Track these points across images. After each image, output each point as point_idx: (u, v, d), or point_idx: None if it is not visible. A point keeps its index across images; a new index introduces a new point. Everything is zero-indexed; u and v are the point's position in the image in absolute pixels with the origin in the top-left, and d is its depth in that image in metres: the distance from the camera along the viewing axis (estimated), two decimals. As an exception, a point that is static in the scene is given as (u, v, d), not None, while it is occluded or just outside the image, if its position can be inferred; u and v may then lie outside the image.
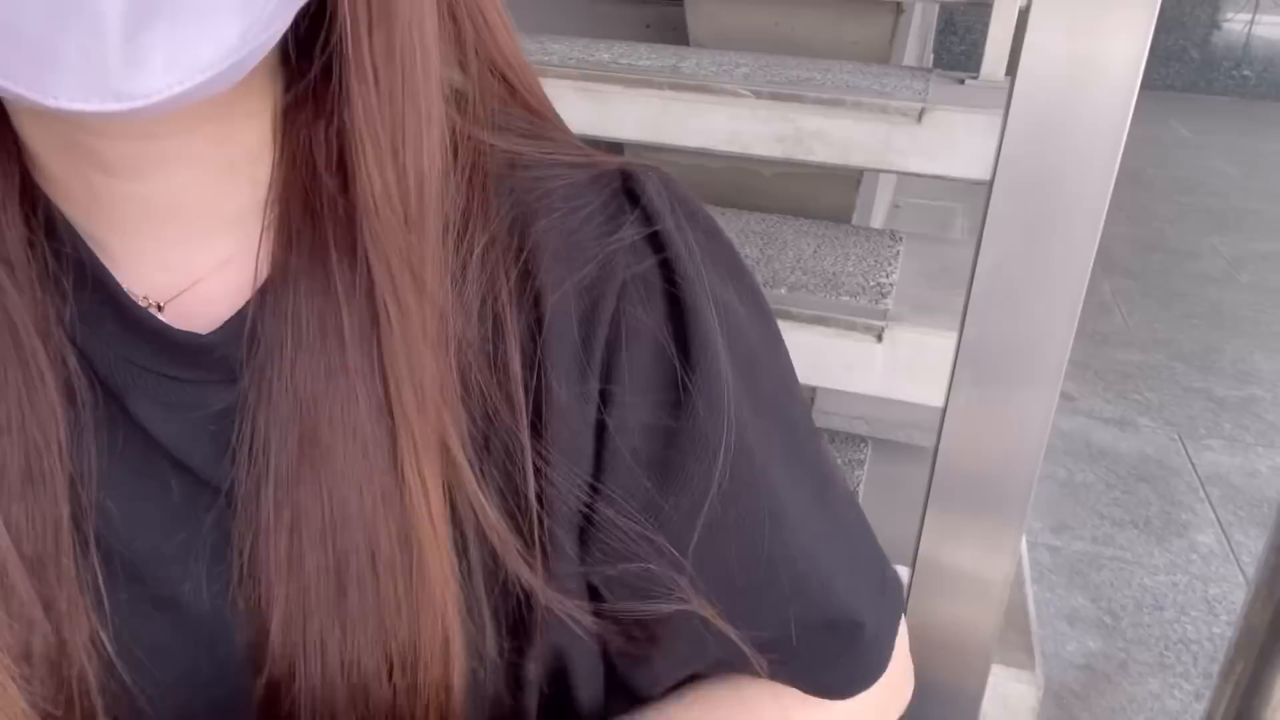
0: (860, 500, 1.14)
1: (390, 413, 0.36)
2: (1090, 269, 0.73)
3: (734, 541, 0.41)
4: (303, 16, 0.33)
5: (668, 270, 0.39)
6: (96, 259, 0.37)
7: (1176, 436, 2.44)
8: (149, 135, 0.34)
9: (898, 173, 1.27)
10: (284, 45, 0.36)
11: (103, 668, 0.37)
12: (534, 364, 0.38)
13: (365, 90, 0.33)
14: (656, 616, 0.41)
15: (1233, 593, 1.89)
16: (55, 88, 0.26)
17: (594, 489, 0.39)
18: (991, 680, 0.97)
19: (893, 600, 0.49)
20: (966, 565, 0.90)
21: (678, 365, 0.39)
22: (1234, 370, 2.80)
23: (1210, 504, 2.17)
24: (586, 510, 0.39)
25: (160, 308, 0.38)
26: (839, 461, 1.19)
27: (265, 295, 0.37)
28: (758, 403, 0.41)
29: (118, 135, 0.33)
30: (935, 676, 0.96)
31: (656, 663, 0.44)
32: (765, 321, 0.44)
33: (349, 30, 0.33)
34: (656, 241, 0.39)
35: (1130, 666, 1.71)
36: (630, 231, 0.39)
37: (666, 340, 0.39)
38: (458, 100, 0.39)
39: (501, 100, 0.41)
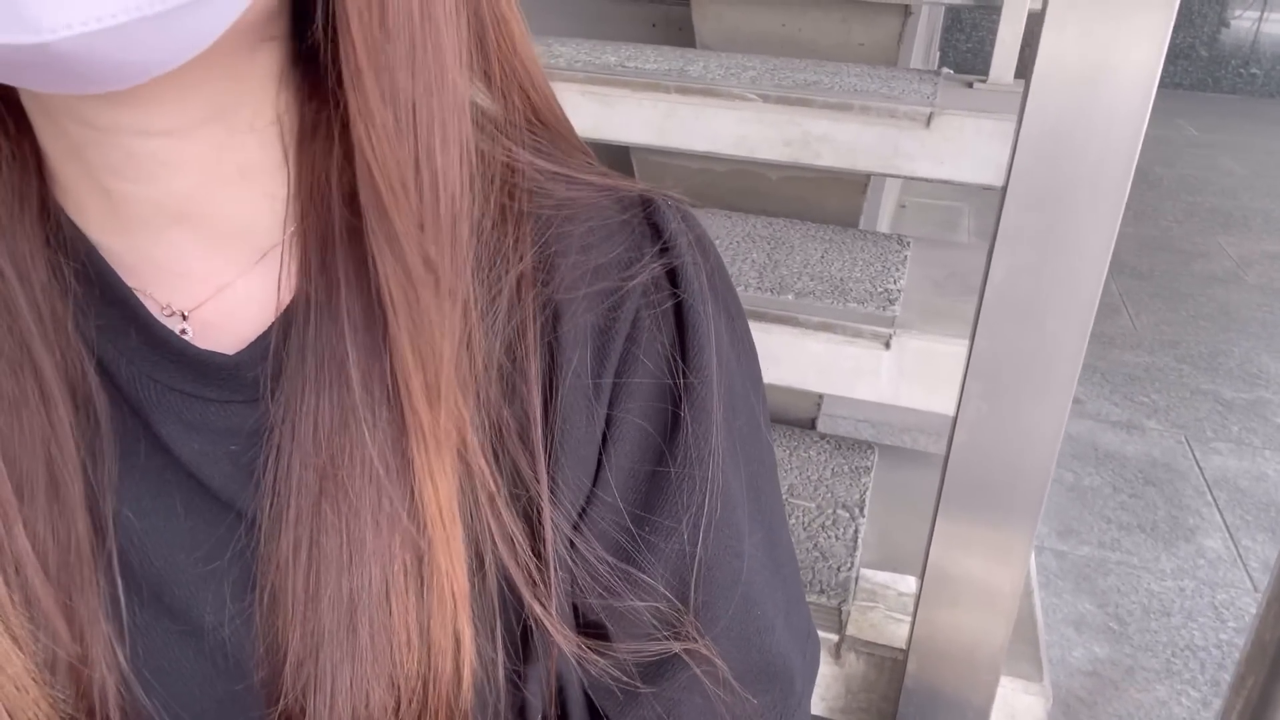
0: (867, 508, 1.14)
1: (407, 452, 0.35)
2: (1104, 279, 0.72)
3: (706, 579, 0.41)
4: (309, 30, 0.32)
5: (680, 308, 0.40)
6: (117, 276, 0.37)
7: (1184, 439, 2.43)
8: (143, 132, 0.33)
9: (905, 177, 1.26)
10: (290, 59, 0.36)
11: (121, 685, 0.37)
12: (550, 394, 0.38)
13: (373, 109, 0.32)
14: (656, 657, 0.41)
15: (1240, 598, 1.88)
16: None
17: (584, 513, 0.40)
18: (999, 691, 0.96)
19: (813, 660, 0.49)
20: (976, 576, 0.89)
21: (676, 398, 0.40)
22: (1241, 372, 2.79)
23: (1218, 508, 2.16)
24: (572, 536, 0.40)
25: (185, 316, 0.37)
26: (846, 468, 1.18)
27: (289, 317, 0.36)
28: (732, 443, 0.42)
29: (111, 129, 0.33)
30: (943, 688, 0.95)
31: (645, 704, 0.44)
32: (750, 362, 0.45)
33: (348, 39, 0.32)
34: (674, 277, 0.40)
35: (1137, 673, 1.70)
36: (651, 265, 0.40)
37: (669, 373, 0.40)
38: (483, 122, 0.39)
39: (526, 121, 0.41)
